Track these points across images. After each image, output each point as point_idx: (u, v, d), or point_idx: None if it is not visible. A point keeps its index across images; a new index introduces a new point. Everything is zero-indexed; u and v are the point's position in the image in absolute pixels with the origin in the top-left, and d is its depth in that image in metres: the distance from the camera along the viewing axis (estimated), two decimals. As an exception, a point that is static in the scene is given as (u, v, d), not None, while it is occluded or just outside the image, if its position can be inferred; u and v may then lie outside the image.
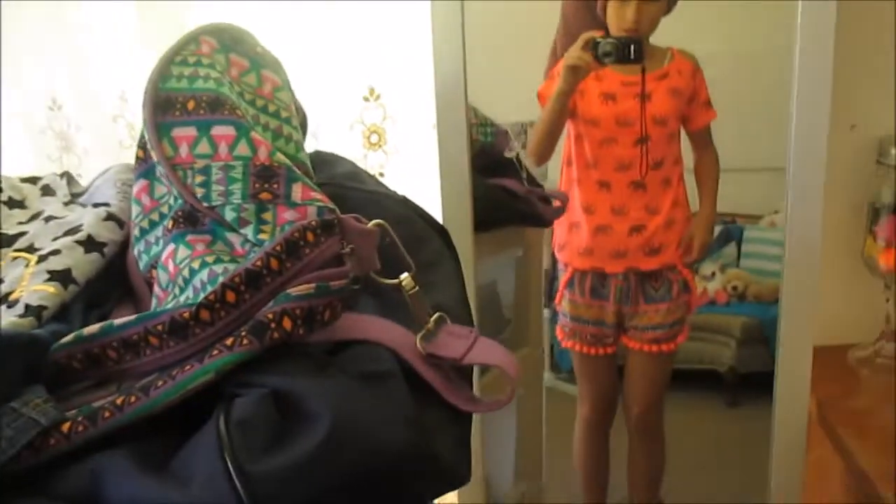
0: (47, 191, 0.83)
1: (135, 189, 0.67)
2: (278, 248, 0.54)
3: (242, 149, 0.60)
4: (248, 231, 0.59)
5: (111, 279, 0.71)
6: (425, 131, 1.08)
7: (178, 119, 0.61)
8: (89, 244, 0.69)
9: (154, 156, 0.61)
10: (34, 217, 0.78)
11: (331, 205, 0.60)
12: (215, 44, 0.67)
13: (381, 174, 1.08)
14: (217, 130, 0.60)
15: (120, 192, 0.77)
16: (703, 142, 1.21)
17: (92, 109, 1.11)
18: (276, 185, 0.60)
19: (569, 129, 1.21)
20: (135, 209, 0.68)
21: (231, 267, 0.57)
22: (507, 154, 1.40)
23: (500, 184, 1.35)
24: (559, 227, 1.36)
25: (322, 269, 0.57)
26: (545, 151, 1.24)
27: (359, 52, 1.05)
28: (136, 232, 0.68)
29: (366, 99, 1.05)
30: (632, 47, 1.03)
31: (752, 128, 1.17)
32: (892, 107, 1.03)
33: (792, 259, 0.97)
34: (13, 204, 0.81)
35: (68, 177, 0.85)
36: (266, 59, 0.70)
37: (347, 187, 0.83)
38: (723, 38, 1.11)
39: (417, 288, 0.62)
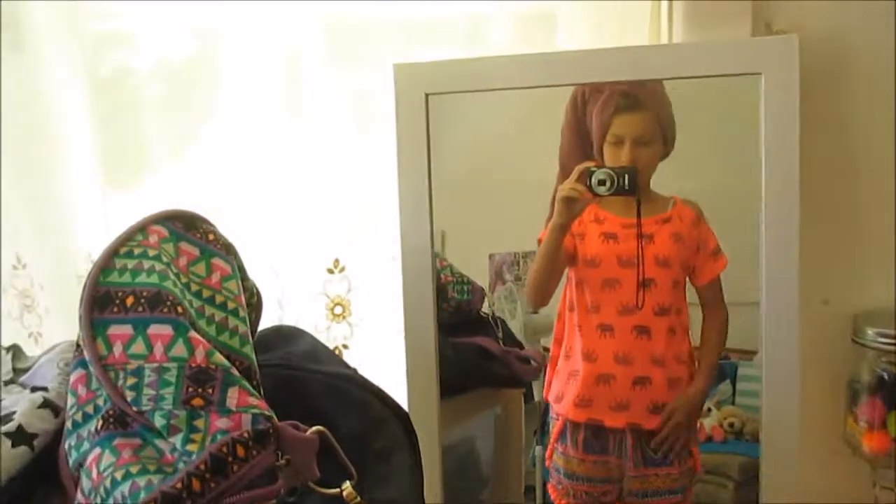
0: (-11, 368, 0.79)
1: (71, 378, 0.64)
2: (202, 466, 0.51)
3: (178, 349, 0.58)
4: (177, 440, 0.55)
5: (39, 470, 0.67)
6: (391, 301, 1.06)
7: (114, 316, 0.59)
8: (18, 436, 0.66)
9: (86, 354, 0.58)
10: (-31, 398, 0.75)
11: (267, 411, 0.57)
12: (165, 232, 0.66)
13: (346, 346, 1.06)
14: (154, 329, 0.58)
15: (61, 374, 0.74)
16: (712, 298, 1.11)
17: (56, 268, 1.09)
18: (210, 390, 0.57)
19: (569, 274, 1.15)
20: (70, 399, 0.64)
21: (156, 479, 0.53)
22: (483, 312, 1.37)
23: (475, 343, 1.32)
24: (557, 378, 1.26)
25: (252, 485, 0.53)
26: (543, 294, 1.16)
27: (324, 224, 1.05)
28: (68, 424, 0.64)
29: (330, 271, 1.04)
30: (626, 177, 1.01)
31: (740, 262, 1.11)
32: (864, 283, 1.03)
33: (769, 441, 0.93)
34: (-50, 382, 0.77)
35: (14, 351, 0.82)
36: (217, 246, 0.68)
37: (305, 369, 0.80)
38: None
39: (359, 499, 0.58)
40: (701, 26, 0.96)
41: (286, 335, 0.88)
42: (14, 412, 0.68)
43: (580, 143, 1.09)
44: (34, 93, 1.09)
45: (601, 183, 1.00)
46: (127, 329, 0.58)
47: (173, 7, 1.11)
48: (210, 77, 1.10)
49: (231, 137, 1.09)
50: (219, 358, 0.59)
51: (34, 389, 0.72)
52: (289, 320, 1.03)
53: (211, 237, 0.69)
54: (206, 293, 0.65)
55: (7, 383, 0.77)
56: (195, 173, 1.13)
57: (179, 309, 0.60)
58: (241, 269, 0.71)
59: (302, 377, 0.79)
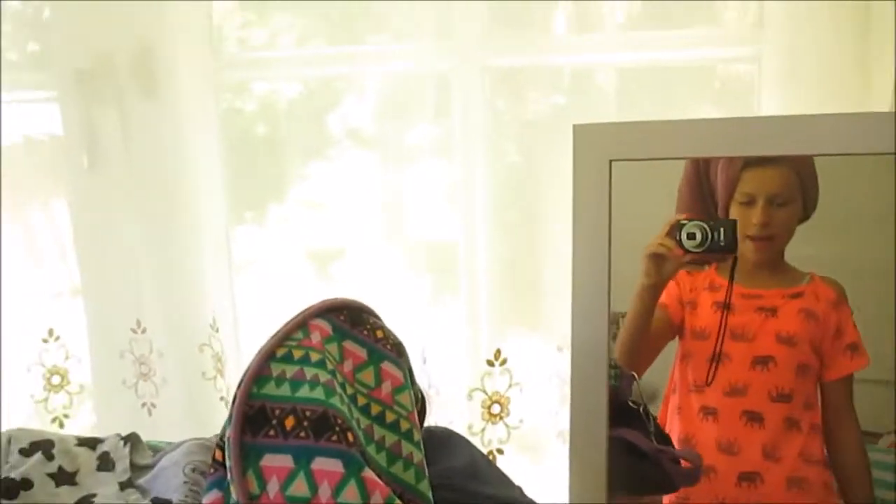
0: (105, 463, 0.69)
1: (205, 500, 0.52)
2: None
3: (351, 494, 0.45)
4: None
5: None
6: (552, 402, 0.91)
7: (271, 442, 0.46)
8: (137, 568, 0.53)
9: (233, 491, 0.46)
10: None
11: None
12: (328, 329, 0.54)
13: (500, 451, 0.91)
14: (320, 464, 0.45)
15: (188, 483, 0.62)
16: (838, 401, 0.93)
17: (177, 335, 1.00)
18: (391, 557, 0.43)
19: (677, 350, 0.98)
20: (201, 529, 0.52)
21: None
22: (632, 401, 1.19)
23: (622, 437, 1.15)
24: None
25: None
26: (634, 363, 0.99)
27: (481, 303, 0.91)
28: (198, 560, 0.52)
29: (490, 363, 0.90)
30: (722, 230, 0.84)
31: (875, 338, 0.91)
32: None
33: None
34: (62, 478, 0.67)
35: (133, 442, 0.71)
36: (387, 347, 0.56)
37: (470, 492, 0.67)
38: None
39: None
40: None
41: (440, 442, 0.74)
42: (133, 534, 0.56)
43: (701, 202, 0.92)
44: (165, 142, 1.01)
45: (691, 237, 0.85)
46: (286, 461, 0.46)
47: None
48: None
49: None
50: (399, 507, 0.45)
51: (155, 502, 0.61)
52: (437, 417, 0.89)
53: (379, 334, 0.56)
54: (374, 409, 0.52)
55: (124, 485, 0.65)
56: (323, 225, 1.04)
57: (350, 437, 0.47)
58: (411, 371, 0.58)
59: (462, 502, 0.66)
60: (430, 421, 0.92)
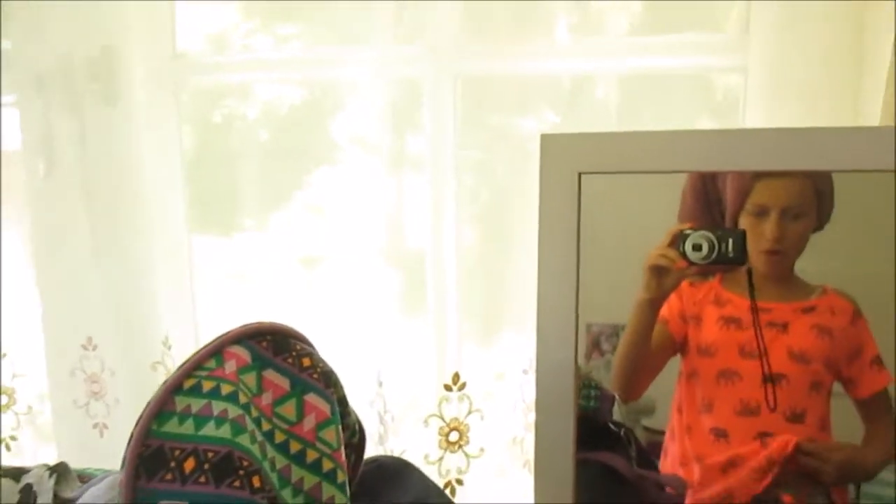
0: (27, 495, 0.64)
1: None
2: None
3: (251, 548, 0.40)
4: None
5: None
6: (517, 429, 0.86)
7: (166, 488, 0.42)
8: None
9: (122, 543, 0.41)
10: (-7, 543, 0.59)
11: None
12: (246, 357, 0.49)
13: (459, 481, 0.86)
14: (218, 514, 0.40)
15: (107, 522, 0.57)
16: (876, 413, 0.88)
17: (129, 353, 0.95)
18: None
19: (680, 368, 0.93)
20: (106, 576, 0.47)
21: None
22: (612, 422, 1.14)
23: (599, 462, 1.10)
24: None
25: None
26: (629, 385, 0.92)
27: (442, 325, 0.86)
28: None
29: (447, 388, 0.85)
30: (730, 241, 0.79)
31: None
32: None
33: None
34: (-24, 514, 0.62)
35: (59, 473, 0.66)
36: (314, 376, 0.51)
37: (412, 531, 0.62)
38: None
39: None
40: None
41: (391, 473, 0.69)
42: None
43: (706, 211, 0.86)
44: (124, 150, 0.97)
45: (697, 248, 0.80)
46: (181, 509, 0.41)
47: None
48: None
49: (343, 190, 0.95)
50: (307, 564, 0.40)
51: (71, 543, 0.56)
52: (392, 445, 0.84)
53: (306, 362, 0.51)
54: (294, 447, 0.47)
55: (43, 521, 0.61)
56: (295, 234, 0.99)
57: (256, 481, 0.42)
58: (343, 403, 0.53)
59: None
60: (384, 449, 0.87)
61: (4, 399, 1.01)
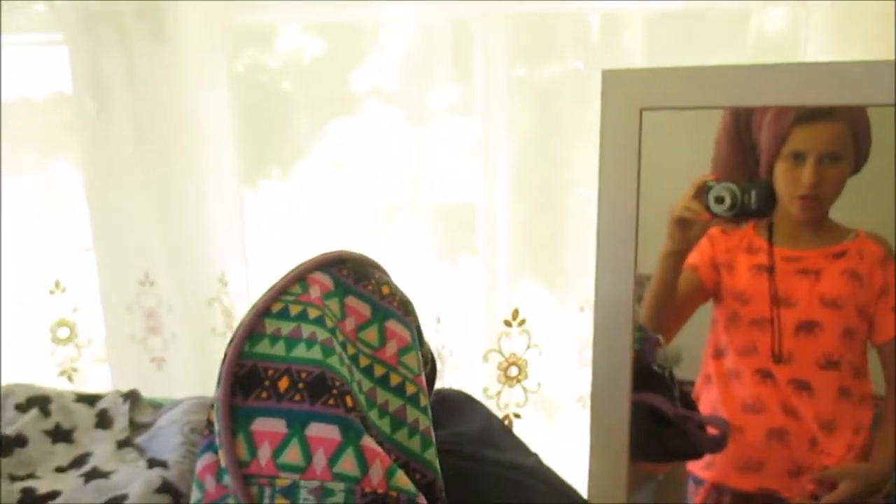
0: (103, 420, 0.66)
1: (199, 464, 0.48)
2: None
3: (348, 464, 0.41)
4: None
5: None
6: (572, 365, 0.87)
7: (262, 404, 0.43)
8: (129, 532, 0.51)
9: (222, 456, 0.42)
10: (76, 463, 0.61)
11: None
12: (329, 284, 0.49)
13: (517, 416, 0.87)
14: (315, 430, 0.42)
15: (185, 444, 0.59)
16: (890, 362, 0.89)
17: (186, 289, 0.97)
18: (389, 531, 0.39)
19: (714, 315, 0.93)
20: (195, 493, 0.49)
21: None
22: (656, 366, 1.15)
23: (645, 402, 1.11)
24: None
25: None
26: (660, 327, 0.93)
27: (502, 259, 0.86)
28: (191, 525, 0.49)
29: (507, 323, 0.85)
30: (754, 193, 0.78)
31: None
32: None
33: None
34: (58, 435, 0.64)
35: (133, 399, 0.68)
36: (394, 304, 0.51)
37: (480, 458, 0.63)
38: None
39: None
40: None
41: (453, 405, 0.71)
42: (126, 495, 0.53)
43: (741, 157, 0.85)
44: (174, 89, 0.97)
45: (719, 201, 0.80)
46: (279, 425, 0.42)
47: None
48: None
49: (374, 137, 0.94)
50: (402, 480, 0.42)
51: (152, 463, 0.58)
52: (451, 380, 0.85)
53: (385, 290, 0.52)
54: (378, 370, 0.48)
55: (122, 444, 0.63)
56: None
57: (349, 401, 0.43)
58: (419, 331, 0.54)
59: (474, 470, 0.62)
60: (443, 383, 0.89)
61: (65, 332, 1.03)
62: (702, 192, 0.81)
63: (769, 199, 0.81)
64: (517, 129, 0.88)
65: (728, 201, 0.80)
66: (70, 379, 1.04)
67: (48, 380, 1.02)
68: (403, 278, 0.55)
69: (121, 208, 0.98)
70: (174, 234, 0.97)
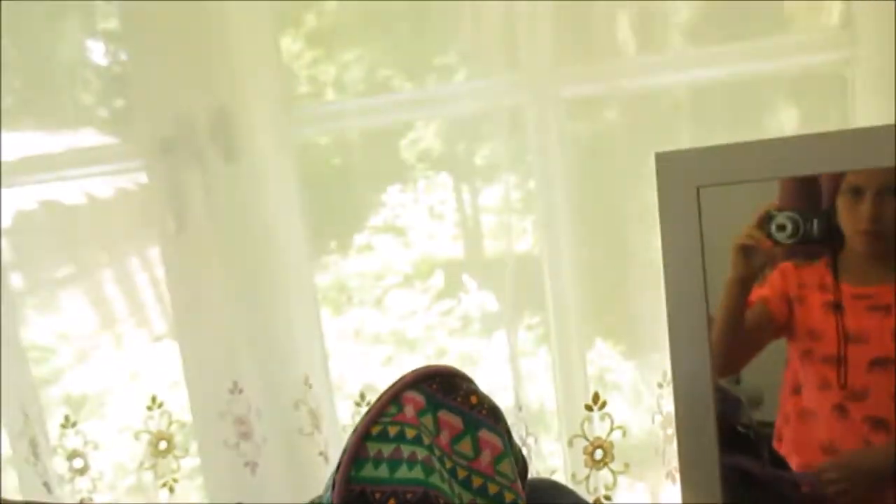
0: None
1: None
2: None
3: (460, 580, 0.43)
4: None
5: None
6: (658, 442, 0.88)
7: (374, 529, 0.45)
8: None
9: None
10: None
11: None
12: (421, 401, 0.52)
13: (608, 497, 0.88)
14: (426, 550, 0.44)
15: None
16: None
17: (273, 394, 1.01)
18: None
19: (790, 352, 0.92)
20: None
21: None
22: (741, 427, 1.14)
23: (736, 464, 1.10)
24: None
25: None
26: (729, 360, 0.91)
27: (578, 357, 0.88)
28: None
29: (588, 408, 0.87)
30: (815, 222, 0.78)
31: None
32: None
33: None
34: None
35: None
36: (483, 413, 0.54)
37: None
38: None
39: None
40: None
41: (545, 496, 0.72)
42: None
43: (804, 193, 0.85)
44: (249, 201, 1.03)
45: (781, 228, 0.80)
46: (392, 548, 0.44)
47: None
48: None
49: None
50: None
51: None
52: (537, 466, 0.87)
53: (474, 400, 0.54)
54: (476, 482, 0.51)
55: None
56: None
57: (454, 517, 0.45)
58: (509, 434, 0.56)
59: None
60: (532, 472, 0.90)
61: (164, 444, 1.08)
62: (764, 220, 0.82)
63: (831, 227, 0.82)
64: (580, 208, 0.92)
65: (790, 229, 0.81)
66: (171, 490, 1.08)
67: (152, 493, 1.07)
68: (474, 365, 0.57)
69: (206, 320, 1.03)
70: (258, 341, 1.01)
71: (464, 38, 0.96)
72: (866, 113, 0.86)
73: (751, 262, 0.84)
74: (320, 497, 0.56)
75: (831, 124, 0.91)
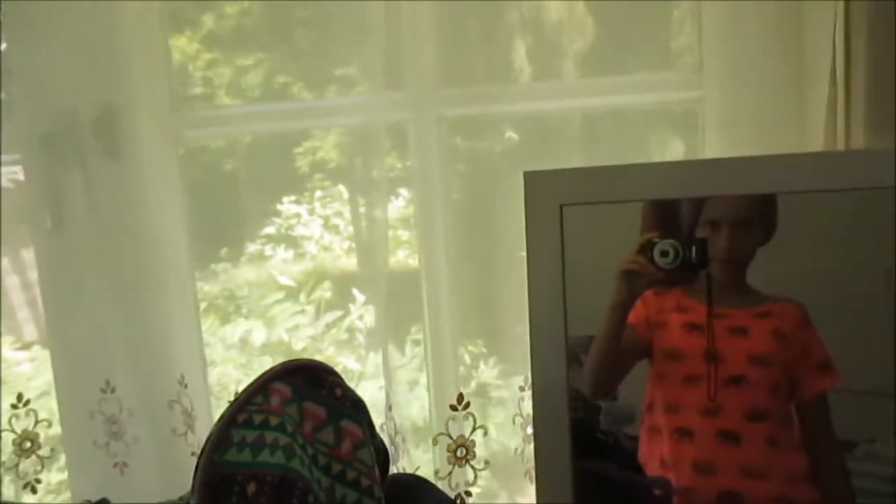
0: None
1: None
2: None
3: (312, 556, 0.46)
4: None
5: None
6: (517, 442, 0.93)
7: (233, 509, 0.48)
8: None
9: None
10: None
11: None
12: (287, 392, 0.55)
13: (468, 493, 0.92)
14: (281, 527, 0.47)
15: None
16: (815, 420, 0.94)
17: (147, 394, 1.01)
18: None
19: (650, 371, 0.99)
20: None
21: None
22: (601, 434, 1.21)
23: (592, 469, 1.17)
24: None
25: None
26: (601, 382, 0.97)
27: (449, 359, 0.93)
28: None
29: (453, 408, 0.92)
30: (694, 248, 0.86)
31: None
32: None
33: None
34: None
35: (103, 508, 0.72)
36: (346, 405, 0.57)
37: (434, 539, 0.68)
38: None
39: None
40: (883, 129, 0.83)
41: (409, 489, 0.76)
42: None
43: (667, 225, 0.95)
44: (130, 202, 1.02)
45: (664, 255, 0.87)
46: (249, 527, 0.47)
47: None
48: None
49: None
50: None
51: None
52: (404, 463, 0.90)
53: (338, 392, 0.58)
54: (335, 467, 0.54)
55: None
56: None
57: (311, 499, 0.48)
58: (371, 427, 0.60)
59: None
60: (398, 467, 0.94)
61: (29, 444, 1.06)
62: (646, 247, 0.89)
63: (706, 253, 0.90)
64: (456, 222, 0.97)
65: (671, 255, 0.88)
66: (34, 490, 1.05)
67: (14, 492, 1.04)
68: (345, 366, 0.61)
69: (80, 320, 1.02)
70: (133, 340, 1.01)
71: (366, 51, 0.98)
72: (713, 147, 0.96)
73: (633, 287, 0.90)
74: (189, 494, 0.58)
75: (700, 153, 1.00)
